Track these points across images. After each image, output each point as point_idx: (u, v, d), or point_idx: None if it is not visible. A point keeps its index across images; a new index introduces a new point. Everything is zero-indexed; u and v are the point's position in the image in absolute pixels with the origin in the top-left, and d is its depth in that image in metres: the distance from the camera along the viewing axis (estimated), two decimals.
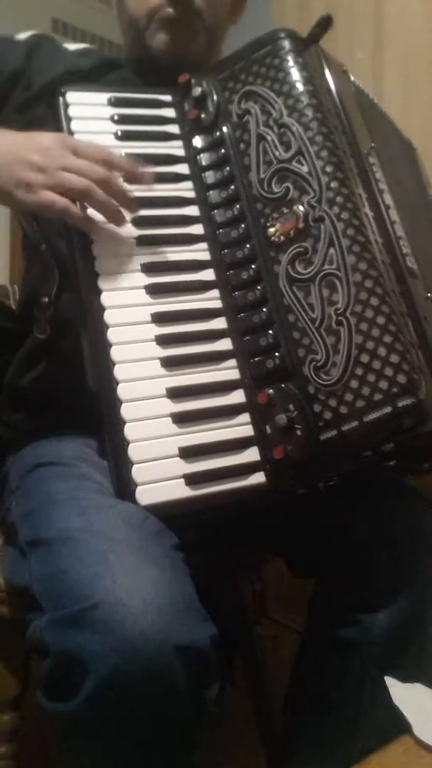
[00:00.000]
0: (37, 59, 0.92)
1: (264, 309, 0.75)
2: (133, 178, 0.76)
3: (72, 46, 0.98)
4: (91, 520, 0.65)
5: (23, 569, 0.69)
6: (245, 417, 0.74)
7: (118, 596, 0.57)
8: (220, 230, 0.80)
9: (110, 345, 0.71)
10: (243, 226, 0.78)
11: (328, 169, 0.74)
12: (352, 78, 0.94)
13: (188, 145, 0.84)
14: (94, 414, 0.71)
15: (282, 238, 0.75)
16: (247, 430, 0.73)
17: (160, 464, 0.68)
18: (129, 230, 0.77)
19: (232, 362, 0.75)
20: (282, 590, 1.18)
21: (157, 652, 0.56)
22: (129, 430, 0.68)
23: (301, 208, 0.74)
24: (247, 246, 0.78)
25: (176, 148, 0.84)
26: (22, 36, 0.96)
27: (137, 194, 0.78)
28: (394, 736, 0.64)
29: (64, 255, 0.83)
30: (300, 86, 0.78)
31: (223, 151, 0.82)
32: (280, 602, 1.24)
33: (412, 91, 1.46)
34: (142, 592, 0.58)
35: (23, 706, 0.83)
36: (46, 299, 0.84)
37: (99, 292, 0.73)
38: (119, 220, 0.75)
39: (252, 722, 1.05)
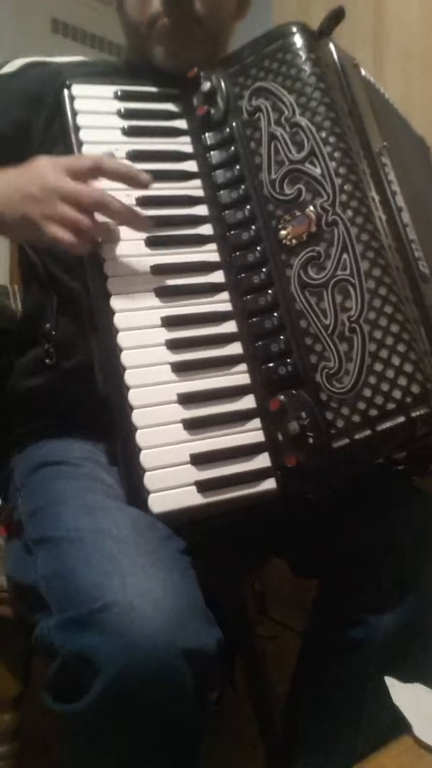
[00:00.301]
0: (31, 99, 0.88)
1: (275, 314, 0.74)
2: (133, 184, 0.75)
3: (65, 59, 0.95)
4: (99, 520, 0.65)
5: (28, 567, 0.68)
6: (256, 422, 0.73)
7: (128, 598, 0.57)
8: (231, 232, 0.78)
9: (121, 349, 0.70)
10: (254, 228, 0.77)
11: (342, 171, 0.73)
12: (363, 72, 0.92)
13: (197, 141, 0.83)
14: (103, 417, 0.70)
15: (294, 241, 0.74)
16: (258, 436, 0.73)
17: (171, 471, 0.68)
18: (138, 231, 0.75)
19: (243, 367, 0.75)
20: (282, 590, 1.18)
21: (165, 655, 0.56)
22: (141, 437, 0.67)
23: (313, 210, 0.73)
24: (258, 249, 0.76)
25: (185, 144, 0.83)
26: (10, 68, 0.92)
27: (146, 193, 0.76)
28: (394, 736, 0.65)
29: (58, 279, 0.83)
30: (312, 84, 0.76)
31: (233, 148, 0.80)
32: (280, 602, 1.25)
33: (412, 91, 1.45)
34: (152, 594, 0.58)
35: (24, 706, 0.83)
36: (48, 326, 0.83)
37: (108, 295, 0.72)
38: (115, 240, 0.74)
39: (252, 722, 1.06)
